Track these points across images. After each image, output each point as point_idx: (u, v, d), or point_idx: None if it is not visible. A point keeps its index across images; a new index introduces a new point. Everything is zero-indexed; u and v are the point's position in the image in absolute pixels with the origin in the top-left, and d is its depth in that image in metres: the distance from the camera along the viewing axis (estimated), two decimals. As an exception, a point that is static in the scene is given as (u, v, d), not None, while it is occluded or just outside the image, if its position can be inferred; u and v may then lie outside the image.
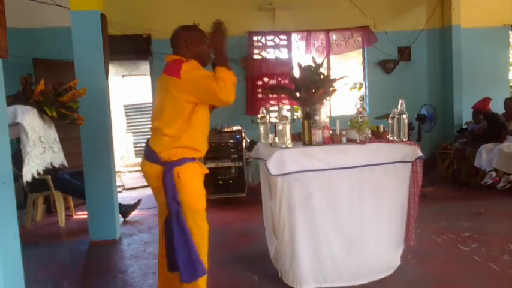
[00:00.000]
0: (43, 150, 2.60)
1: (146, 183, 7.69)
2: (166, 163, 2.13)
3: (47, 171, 3.17)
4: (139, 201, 5.03)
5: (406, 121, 2.83)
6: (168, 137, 2.13)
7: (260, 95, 6.65)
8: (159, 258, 2.37)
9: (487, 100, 6.00)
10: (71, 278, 3.20)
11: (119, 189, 6.26)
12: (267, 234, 3.16)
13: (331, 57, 7.07)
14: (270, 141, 3.04)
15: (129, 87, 9.88)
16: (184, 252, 2.08)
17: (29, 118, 2.57)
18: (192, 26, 2.33)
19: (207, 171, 2.29)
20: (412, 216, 2.96)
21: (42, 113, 2.79)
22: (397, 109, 2.83)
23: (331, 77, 3.02)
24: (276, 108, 6.61)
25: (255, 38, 6.69)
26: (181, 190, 2.11)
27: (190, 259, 2.08)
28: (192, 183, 2.16)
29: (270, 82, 6.70)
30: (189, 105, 2.13)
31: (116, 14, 5.52)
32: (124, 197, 6.11)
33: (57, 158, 2.79)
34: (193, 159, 2.19)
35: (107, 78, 4.05)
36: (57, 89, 2.97)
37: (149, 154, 2.20)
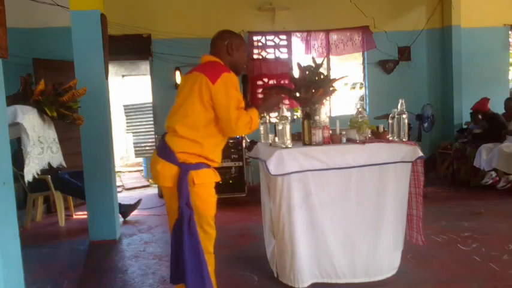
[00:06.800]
0: (41, 151, 2.59)
1: (146, 184, 7.68)
2: (183, 164, 2.04)
3: (45, 171, 3.16)
4: (139, 201, 5.03)
5: (406, 121, 2.83)
6: (190, 141, 2.05)
7: (260, 95, 6.65)
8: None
9: (485, 100, 6.01)
10: (71, 278, 3.20)
11: (119, 189, 6.26)
12: (266, 235, 3.15)
13: (331, 57, 7.07)
14: (270, 141, 3.04)
15: (129, 87, 9.88)
16: (193, 262, 1.95)
17: (29, 118, 2.56)
18: (236, 33, 2.38)
19: (219, 179, 2.23)
20: (418, 216, 2.95)
21: (42, 113, 2.78)
22: (397, 109, 2.83)
23: (331, 77, 3.01)
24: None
25: (255, 38, 6.70)
26: (194, 196, 2.03)
27: (199, 270, 1.96)
28: (205, 189, 2.11)
29: (270, 82, 6.70)
30: (213, 112, 2.09)
31: (116, 14, 5.52)
32: (124, 197, 6.12)
33: (55, 158, 2.78)
34: (209, 166, 2.14)
35: (107, 78, 4.06)
36: (57, 89, 2.96)
37: (165, 152, 2.08)
